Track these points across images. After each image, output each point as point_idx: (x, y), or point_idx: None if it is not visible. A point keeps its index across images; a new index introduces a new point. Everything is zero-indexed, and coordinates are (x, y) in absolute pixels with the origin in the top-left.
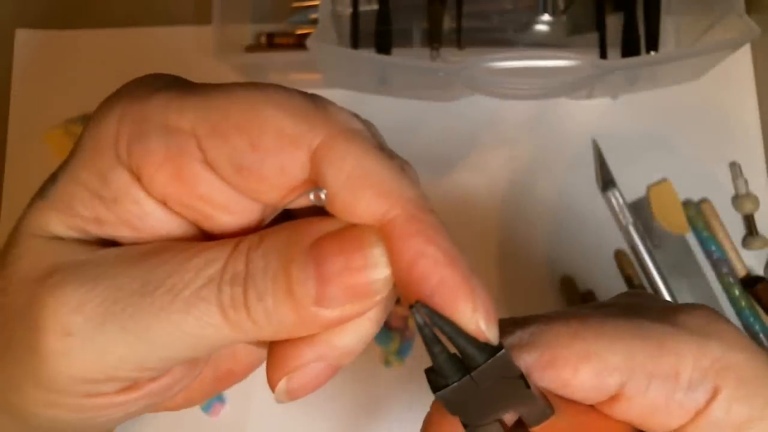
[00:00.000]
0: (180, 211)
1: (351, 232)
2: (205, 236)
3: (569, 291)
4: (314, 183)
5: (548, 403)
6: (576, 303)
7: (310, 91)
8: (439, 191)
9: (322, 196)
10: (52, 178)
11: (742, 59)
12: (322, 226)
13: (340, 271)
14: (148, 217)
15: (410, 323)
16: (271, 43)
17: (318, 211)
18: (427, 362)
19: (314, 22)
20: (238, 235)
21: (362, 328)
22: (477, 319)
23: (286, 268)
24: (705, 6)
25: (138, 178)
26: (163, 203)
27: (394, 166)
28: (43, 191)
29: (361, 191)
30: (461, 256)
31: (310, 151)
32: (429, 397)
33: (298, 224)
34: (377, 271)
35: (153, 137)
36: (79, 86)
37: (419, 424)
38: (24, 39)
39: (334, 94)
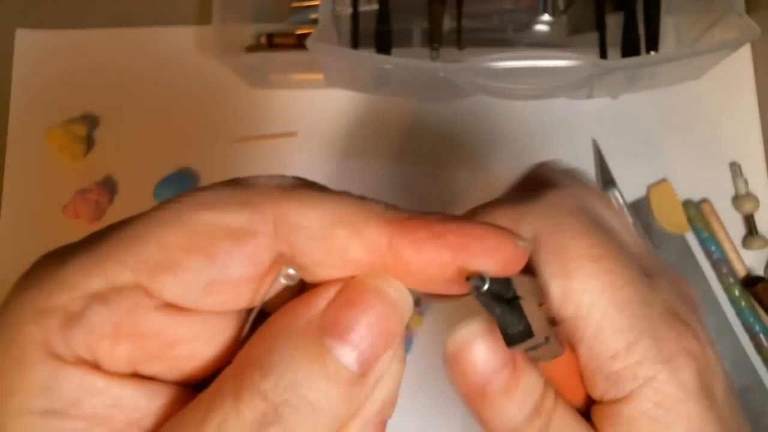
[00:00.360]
0: (154, 372)
1: (355, 287)
2: (185, 387)
3: None
4: (284, 260)
5: (561, 344)
6: None
7: (310, 91)
8: (438, 191)
9: (291, 272)
10: None
11: (742, 59)
12: (311, 306)
13: (369, 330)
14: (120, 400)
15: (410, 323)
16: (271, 43)
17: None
18: (427, 361)
19: (314, 22)
20: (219, 363)
21: (396, 370)
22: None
23: (319, 363)
24: (705, 6)
25: (94, 364)
26: (133, 374)
27: (346, 196)
28: None
29: (349, 232)
30: (450, 217)
31: (268, 231)
32: (429, 396)
33: (282, 322)
34: (403, 305)
35: (90, 313)
36: (79, 86)
37: (419, 423)
38: (24, 39)
39: (334, 94)
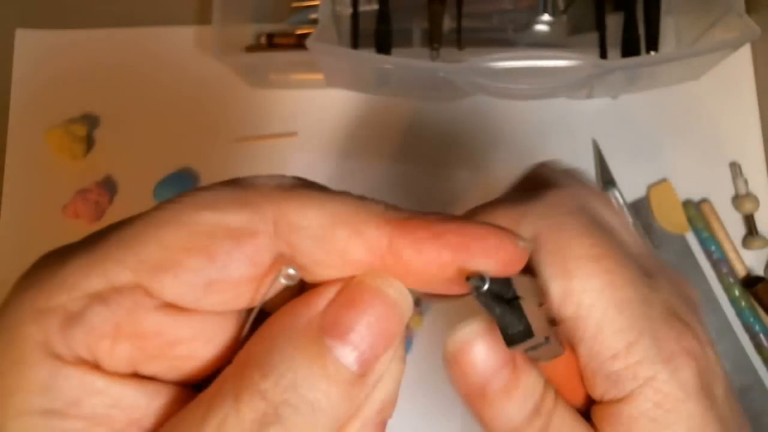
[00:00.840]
0: (154, 372)
1: (355, 287)
2: (185, 387)
3: None
4: (284, 260)
5: (561, 344)
6: None
7: (310, 91)
8: (438, 191)
9: (291, 272)
10: None
11: (742, 59)
12: (311, 306)
13: (369, 330)
14: (120, 400)
15: (410, 323)
16: (271, 43)
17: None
18: (427, 361)
19: (314, 22)
20: (219, 363)
21: (395, 370)
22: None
23: (319, 364)
24: (705, 6)
25: (94, 364)
26: (133, 374)
27: (346, 196)
28: None
29: (349, 232)
30: (450, 217)
31: (268, 231)
32: (429, 396)
33: (282, 322)
34: (403, 305)
35: (90, 313)
36: (79, 86)
37: (419, 423)
38: (24, 39)
39: (334, 94)
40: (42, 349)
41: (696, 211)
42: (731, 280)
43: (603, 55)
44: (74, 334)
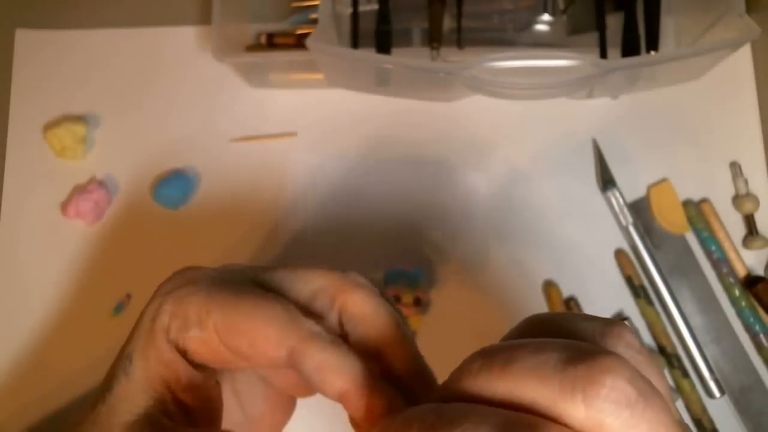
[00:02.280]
0: (214, 364)
1: None
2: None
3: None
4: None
5: None
6: (572, 300)
7: (310, 91)
8: (439, 191)
9: None
10: (126, 358)
11: (742, 59)
12: None
13: None
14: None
15: (410, 323)
16: (271, 43)
17: None
18: (427, 361)
19: (314, 22)
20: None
21: None
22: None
23: None
24: (705, 6)
25: (183, 351)
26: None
27: (341, 352)
28: (123, 368)
29: (325, 376)
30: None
31: (288, 348)
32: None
33: None
34: None
35: (192, 331)
36: (78, 86)
37: None
38: (24, 39)
39: (334, 94)
40: (165, 333)
41: (696, 211)
42: (731, 280)
43: (603, 55)
44: (182, 337)
